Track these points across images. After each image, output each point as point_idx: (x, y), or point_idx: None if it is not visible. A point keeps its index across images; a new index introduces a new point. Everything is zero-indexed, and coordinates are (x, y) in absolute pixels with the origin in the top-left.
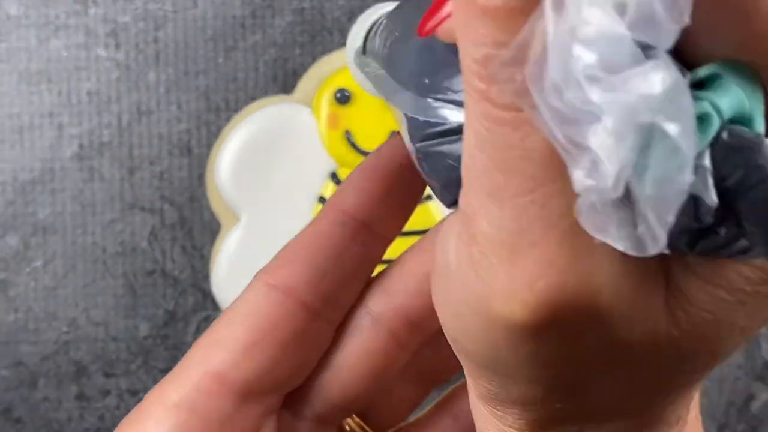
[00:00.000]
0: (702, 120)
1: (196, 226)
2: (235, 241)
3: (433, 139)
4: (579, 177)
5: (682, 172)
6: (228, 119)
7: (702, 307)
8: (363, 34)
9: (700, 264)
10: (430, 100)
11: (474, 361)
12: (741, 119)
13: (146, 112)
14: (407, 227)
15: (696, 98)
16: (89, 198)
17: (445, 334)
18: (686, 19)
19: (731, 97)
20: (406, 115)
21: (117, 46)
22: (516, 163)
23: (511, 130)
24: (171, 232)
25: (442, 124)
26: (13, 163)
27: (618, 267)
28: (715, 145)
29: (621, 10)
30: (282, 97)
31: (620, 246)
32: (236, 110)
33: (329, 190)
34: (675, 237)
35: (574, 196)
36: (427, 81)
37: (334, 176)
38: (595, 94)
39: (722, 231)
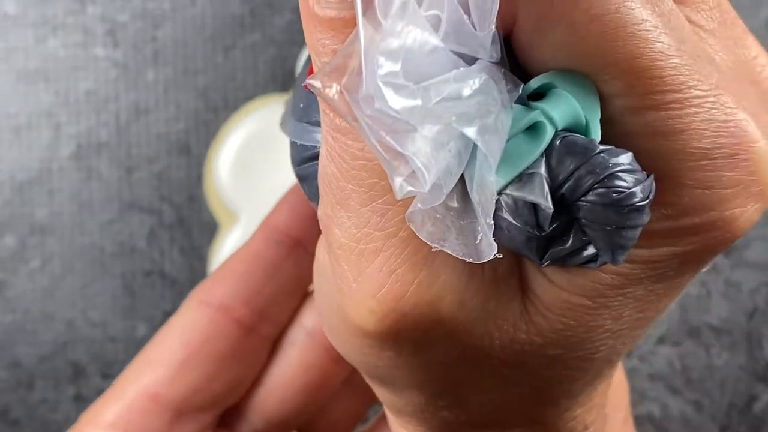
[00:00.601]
0: (536, 129)
1: (194, 227)
2: (233, 242)
3: (308, 162)
4: (398, 184)
5: (489, 172)
6: (227, 119)
7: (561, 314)
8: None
9: (555, 272)
10: (305, 124)
11: (357, 368)
12: (577, 128)
13: (144, 111)
14: None
15: (531, 108)
16: (87, 198)
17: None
18: (492, 27)
19: (564, 106)
20: (291, 142)
21: (115, 45)
22: (358, 172)
23: (352, 140)
24: (169, 233)
25: (315, 147)
26: (11, 163)
27: (462, 276)
28: (550, 152)
29: (436, 23)
30: (281, 95)
31: (458, 254)
32: (235, 109)
33: None
34: (523, 246)
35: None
36: (302, 106)
37: None
38: (396, 102)
39: (569, 240)
